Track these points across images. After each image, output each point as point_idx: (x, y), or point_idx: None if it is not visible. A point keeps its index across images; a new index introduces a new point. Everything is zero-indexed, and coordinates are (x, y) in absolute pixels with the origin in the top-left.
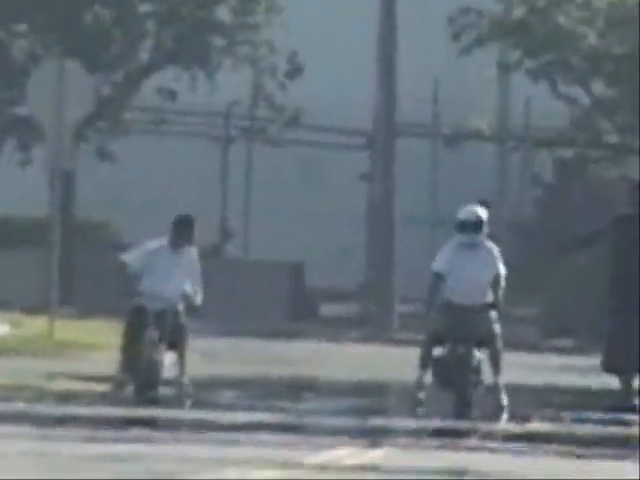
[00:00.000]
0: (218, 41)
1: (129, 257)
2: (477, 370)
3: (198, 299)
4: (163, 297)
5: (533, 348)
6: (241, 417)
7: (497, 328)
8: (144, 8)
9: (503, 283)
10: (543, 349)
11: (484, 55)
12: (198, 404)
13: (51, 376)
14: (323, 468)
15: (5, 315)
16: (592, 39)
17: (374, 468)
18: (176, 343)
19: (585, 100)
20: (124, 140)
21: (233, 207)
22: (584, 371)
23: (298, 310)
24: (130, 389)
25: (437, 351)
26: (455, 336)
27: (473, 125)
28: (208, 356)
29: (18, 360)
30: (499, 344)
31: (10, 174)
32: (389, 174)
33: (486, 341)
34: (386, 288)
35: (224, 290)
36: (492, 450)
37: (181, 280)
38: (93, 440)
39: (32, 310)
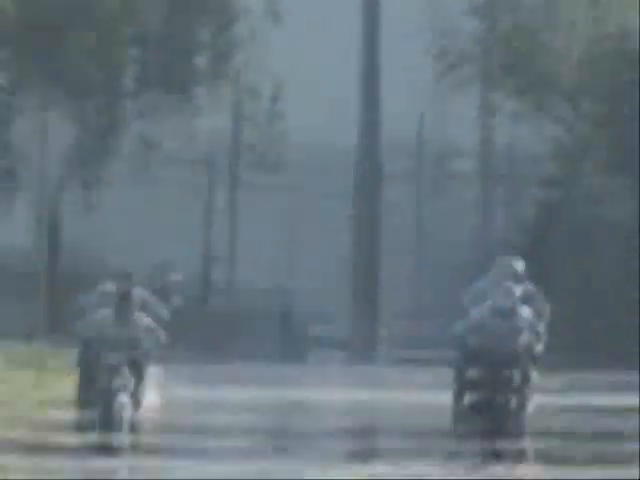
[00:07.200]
0: (198, 90)
1: (80, 326)
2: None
3: (161, 337)
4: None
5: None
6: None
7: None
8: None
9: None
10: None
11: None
12: (179, 452)
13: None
14: None
15: None
16: (573, 77)
17: None
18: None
19: (566, 140)
20: (106, 189)
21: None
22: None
23: (286, 355)
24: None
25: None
26: (489, 386)
27: (457, 167)
28: (195, 404)
29: None
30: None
31: None
32: (375, 217)
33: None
34: (371, 332)
35: (210, 340)
36: None
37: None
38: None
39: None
